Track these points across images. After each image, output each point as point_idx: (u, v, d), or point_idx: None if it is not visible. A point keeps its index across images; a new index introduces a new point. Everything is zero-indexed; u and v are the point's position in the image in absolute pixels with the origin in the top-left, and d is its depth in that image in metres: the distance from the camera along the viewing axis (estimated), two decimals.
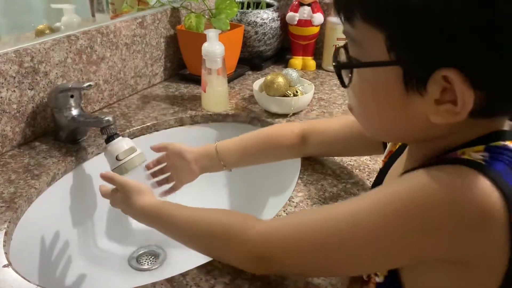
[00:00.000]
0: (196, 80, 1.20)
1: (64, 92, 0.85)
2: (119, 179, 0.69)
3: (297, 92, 1.00)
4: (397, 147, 0.61)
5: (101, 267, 0.89)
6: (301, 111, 1.03)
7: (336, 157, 0.85)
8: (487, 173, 0.39)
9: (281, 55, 1.39)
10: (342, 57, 0.46)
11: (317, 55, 1.35)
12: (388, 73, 0.42)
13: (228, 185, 1.04)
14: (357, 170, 0.81)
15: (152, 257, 0.93)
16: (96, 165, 0.89)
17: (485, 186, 0.39)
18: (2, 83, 0.82)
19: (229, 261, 0.56)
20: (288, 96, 0.99)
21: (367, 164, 0.83)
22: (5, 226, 0.67)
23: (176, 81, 1.23)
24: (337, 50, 0.47)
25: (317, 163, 0.83)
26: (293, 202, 0.72)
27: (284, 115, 1.01)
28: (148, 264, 0.91)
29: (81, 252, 0.88)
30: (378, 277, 0.51)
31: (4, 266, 0.59)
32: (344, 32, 0.45)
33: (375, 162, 0.83)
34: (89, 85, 0.82)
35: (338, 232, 0.45)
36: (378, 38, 0.40)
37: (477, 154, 0.41)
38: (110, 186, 0.72)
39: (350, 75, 0.45)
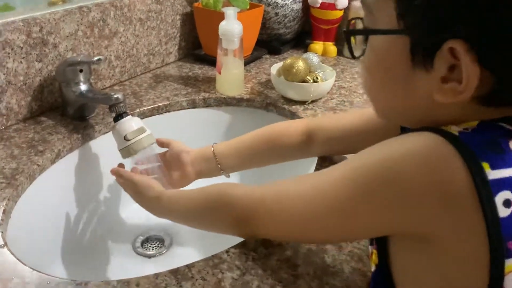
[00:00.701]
0: (211, 61, 1.15)
1: (73, 65, 0.81)
2: (127, 176, 0.70)
3: (317, 78, 0.95)
4: None
5: (103, 251, 0.86)
6: (320, 98, 0.98)
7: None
8: (453, 142, 0.36)
9: (300, 39, 1.33)
10: (354, 27, 0.46)
11: (339, 40, 1.29)
12: (396, 42, 0.40)
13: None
14: None
15: (158, 242, 0.90)
16: (103, 144, 0.85)
17: (445, 152, 0.36)
18: (9, 53, 0.78)
19: (219, 229, 0.58)
20: (307, 82, 0.94)
21: None
22: (4, 204, 0.63)
23: (191, 61, 1.18)
24: (352, 20, 0.47)
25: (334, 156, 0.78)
26: None
27: (302, 102, 0.96)
28: (153, 249, 0.88)
29: (83, 234, 0.84)
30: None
31: (1, 245, 0.56)
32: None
33: None
34: (99, 59, 0.77)
35: (310, 204, 0.45)
36: (389, 4, 0.39)
37: (459, 127, 0.38)
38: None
39: (364, 46, 0.44)
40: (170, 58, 1.15)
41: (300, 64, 0.92)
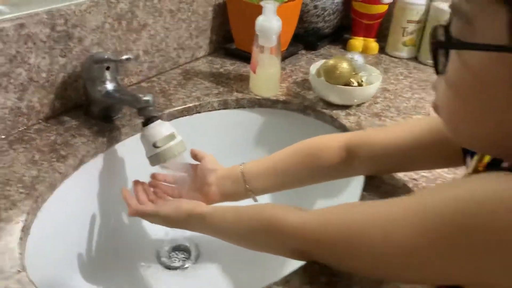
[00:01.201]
0: (243, 56, 1.07)
1: (100, 63, 0.74)
2: (153, 212, 0.66)
3: (362, 81, 0.86)
4: (485, 165, 0.47)
5: (127, 263, 0.80)
6: (363, 103, 0.90)
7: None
8: None
9: (338, 34, 1.24)
10: (440, 37, 0.38)
11: (380, 37, 1.19)
12: (501, 61, 0.33)
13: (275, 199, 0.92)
14: (433, 185, 0.68)
15: (184, 253, 0.84)
16: (129, 148, 0.79)
17: None
18: (31, 48, 0.72)
19: (273, 253, 0.55)
20: (351, 86, 0.86)
21: (445, 178, 0.70)
22: (23, 219, 0.57)
23: (221, 56, 1.11)
24: (435, 28, 0.38)
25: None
26: None
27: (344, 107, 0.88)
28: (179, 261, 0.82)
29: (105, 245, 0.79)
30: None
31: (18, 271, 0.50)
32: (453, 5, 0.37)
33: (454, 175, 0.70)
34: (128, 59, 0.71)
35: (368, 239, 0.41)
36: (499, 16, 0.32)
37: None
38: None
39: (445, 60, 0.37)
40: (200, 52, 1.08)
41: (344, 66, 0.84)
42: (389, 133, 0.63)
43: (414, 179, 0.69)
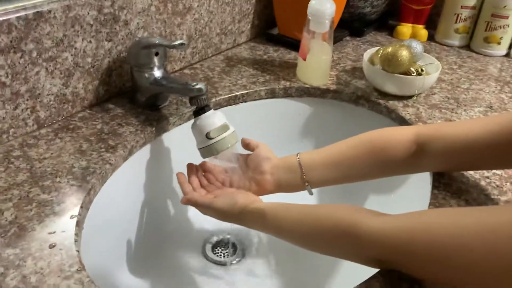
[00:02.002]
0: (287, 43, 1.02)
1: (148, 48, 0.70)
2: (206, 203, 0.61)
3: (422, 70, 0.81)
4: None
5: (171, 255, 0.77)
6: (420, 93, 0.84)
7: None
8: None
9: (384, 20, 1.18)
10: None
11: (429, 24, 1.13)
12: None
13: (328, 194, 0.87)
14: (508, 184, 0.63)
15: (230, 248, 0.80)
16: (177, 138, 0.76)
17: None
18: (78, 32, 0.68)
19: (344, 258, 0.51)
20: (411, 75, 0.80)
21: None
22: (77, 213, 0.54)
23: (263, 42, 1.06)
24: None
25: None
26: None
27: (400, 98, 0.83)
28: (224, 256, 0.79)
29: (152, 237, 0.76)
30: None
31: (78, 270, 0.47)
32: None
33: None
34: (182, 44, 0.66)
35: (467, 250, 0.37)
36: None
37: None
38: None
39: None
40: (242, 38, 1.04)
41: (404, 54, 0.79)
42: (465, 128, 0.57)
43: (487, 177, 0.64)
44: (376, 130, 0.64)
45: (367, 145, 0.62)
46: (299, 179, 0.64)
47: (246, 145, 0.70)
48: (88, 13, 0.68)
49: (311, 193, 0.65)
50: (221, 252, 0.80)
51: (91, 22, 0.69)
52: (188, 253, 0.78)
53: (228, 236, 0.82)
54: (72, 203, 0.55)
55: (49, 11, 0.63)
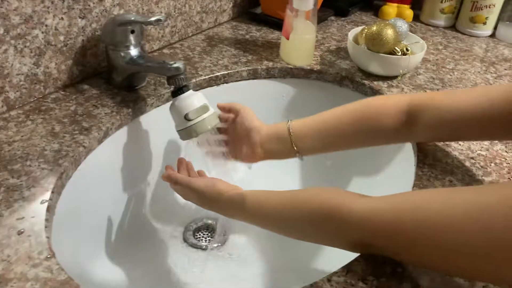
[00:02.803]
0: (270, 22, 1.00)
1: (124, 25, 0.67)
2: (185, 182, 0.60)
3: (407, 50, 0.79)
4: None
5: (151, 240, 0.75)
6: (405, 73, 0.83)
7: (460, 145, 0.66)
8: None
9: (369, 0, 1.15)
10: None
11: (415, 4, 1.11)
12: None
13: (314, 175, 0.86)
14: (492, 164, 0.62)
15: (211, 232, 0.79)
16: (155, 120, 0.73)
17: None
18: (49, 8, 0.64)
19: (327, 244, 0.49)
20: (396, 55, 0.78)
21: (504, 157, 0.64)
22: (48, 198, 0.52)
23: (246, 21, 1.03)
24: None
25: (437, 149, 0.64)
26: None
27: (385, 78, 0.81)
28: (205, 240, 0.77)
29: (130, 222, 0.74)
30: None
31: (47, 257, 0.45)
32: None
33: None
34: (159, 20, 0.63)
35: (457, 229, 0.36)
36: None
37: None
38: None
39: None
40: (223, 17, 1.00)
41: (389, 32, 0.77)
42: (455, 98, 0.54)
43: (472, 158, 0.63)
44: (369, 98, 0.62)
45: (357, 113, 0.60)
46: (289, 148, 0.62)
47: (224, 109, 0.67)
48: None
49: (301, 160, 0.64)
50: (202, 236, 0.78)
51: None
52: (168, 239, 0.77)
53: (210, 221, 0.80)
54: (43, 188, 0.53)
55: None
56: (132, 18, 0.66)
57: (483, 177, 0.60)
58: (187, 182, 0.60)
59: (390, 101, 0.59)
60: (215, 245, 0.77)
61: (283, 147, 0.62)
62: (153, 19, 0.63)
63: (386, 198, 0.43)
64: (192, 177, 0.62)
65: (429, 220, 0.38)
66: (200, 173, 0.67)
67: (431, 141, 0.64)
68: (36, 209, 0.50)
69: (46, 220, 0.49)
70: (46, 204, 0.51)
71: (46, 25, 0.65)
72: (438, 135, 0.58)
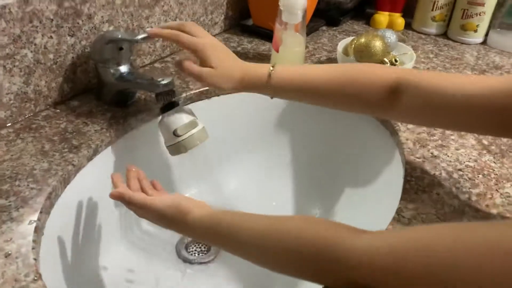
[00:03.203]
0: (261, 33, 1.00)
1: (112, 43, 0.67)
2: (140, 202, 0.55)
3: (395, 60, 0.79)
4: None
5: (145, 256, 0.75)
6: None
7: (449, 156, 0.66)
8: None
9: (361, 9, 1.16)
10: None
11: (407, 12, 1.12)
12: None
13: (302, 188, 0.86)
14: (480, 176, 0.62)
15: (203, 246, 0.79)
16: (145, 135, 0.73)
17: None
18: (37, 27, 0.65)
19: (313, 281, 0.42)
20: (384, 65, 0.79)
21: (492, 168, 0.64)
22: (36, 218, 0.52)
23: (237, 33, 1.04)
24: None
25: (426, 161, 0.65)
26: (403, 217, 0.55)
27: None
28: (198, 254, 0.77)
29: (123, 238, 0.74)
30: None
31: (34, 279, 0.45)
32: None
33: (501, 166, 0.64)
34: (145, 38, 0.64)
35: (476, 273, 0.30)
36: None
37: None
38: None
39: None
40: (215, 29, 1.01)
41: (378, 44, 0.77)
42: (446, 81, 0.52)
43: (459, 169, 0.63)
44: (358, 64, 0.63)
45: (345, 76, 0.58)
46: (265, 90, 0.61)
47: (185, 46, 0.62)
48: (47, 8, 0.65)
49: (271, 98, 0.64)
50: (195, 250, 0.78)
51: (51, 17, 0.66)
52: (161, 254, 0.77)
53: None
54: (31, 208, 0.53)
55: (4, 6, 0.60)
56: (120, 36, 0.66)
57: (470, 189, 0.60)
58: (143, 203, 0.54)
59: (379, 71, 0.57)
60: (209, 259, 0.77)
61: (260, 87, 0.61)
62: (139, 37, 0.63)
63: (390, 236, 0.39)
64: (149, 197, 0.56)
65: (443, 262, 0.32)
66: (154, 184, 0.62)
67: (412, 123, 0.64)
68: (24, 230, 0.50)
69: (34, 241, 0.49)
70: (34, 225, 0.51)
71: (35, 44, 0.66)
72: (421, 119, 0.57)
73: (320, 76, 0.59)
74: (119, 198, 0.55)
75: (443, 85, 0.51)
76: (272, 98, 0.63)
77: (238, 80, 0.62)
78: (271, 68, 0.60)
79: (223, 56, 0.63)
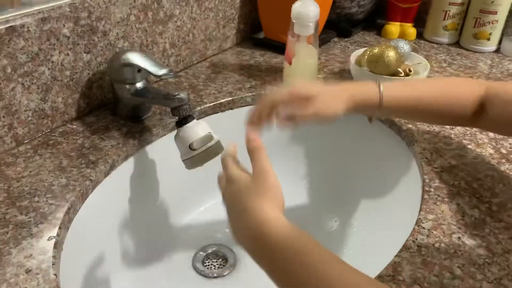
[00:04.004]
0: (273, 46, 1.01)
1: (131, 66, 0.68)
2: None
3: (410, 71, 0.79)
4: None
5: (160, 269, 0.75)
6: None
7: (467, 165, 0.65)
8: None
9: (372, 19, 1.16)
10: None
11: (418, 21, 1.12)
12: None
13: (319, 200, 0.86)
14: (500, 185, 0.61)
15: (221, 260, 0.79)
16: (161, 149, 0.74)
17: None
18: (54, 45, 0.66)
19: None
20: (399, 76, 0.79)
21: (511, 177, 0.63)
22: (55, 234, 0.52)
23: (250, 46, 1.04)
24: None
25: (444, 171, 0.64)
26: (424, 228, 0.54)
27: None
28: (215, 268, 0.77)
29: (138, 252, 0.74)
30: None
31: None
32: None
33: None
34: (166, 74, 0.64)
35: None
36: None
37: None
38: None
39: None
40: (227, 43, 1.02)
41: (391, 54, 0.77)
42: None
43: (479, 179, 0.62)
44: (452, 77, 0.70)
45: (445, 96, 0.58)
46: (373, 109, 0.57)
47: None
48: (64, 25, 0.66)
49: (370, 122, 0.67)
50: (211, 264, 0.78)
51: (68, 35, 0.67)
52: (178, 270, 0.76)
53: (219, 248, 0.80)
54: (50, 224, 0.53)
55: (22, 25, 0.61)
56: (141, 65, 0.66)
57: (491, 199, 0.59)
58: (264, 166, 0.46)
59: (469, 87, 0.58)
60: (225, 273, 0.76)
61: (368, 107, 0.57)
62: (160, 73, 0.63)
63: None
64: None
65: None
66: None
67: (498, 133, 0.68)
68: (44, 245, 0.51)
69: (54, 257, 0.50)
70: (53, 241, 0.51)
71: (52, 62, 0.67)
72: (506, 130, 0.60)
73: (428, 98, 0.58)
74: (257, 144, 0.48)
75: None
76: (371, 121, 0.61)
77: (345, 101, 0.55)
78: (381, 88, 0.56)
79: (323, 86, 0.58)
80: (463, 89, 0.58)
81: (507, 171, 0.64)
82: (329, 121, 0.55)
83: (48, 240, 0.51)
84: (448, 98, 0.58)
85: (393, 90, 0.57)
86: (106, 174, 0.65)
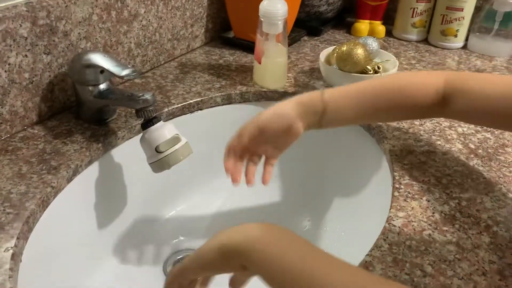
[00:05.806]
0: (243, 45, 0.99)
1: (94, 67, 0.65)
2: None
3: (378, 68, 0.79)
4: None
5: (130, 276, 0.73)
6: None
7: (436, 161, 0.65)
8: None
9: (341, 18, 1.16)
10: None
11: (387, 19, 1.12)
12: None
13: (292, 199, 0.85)
14: (469, 180, 0.62)
15: None
16: (127, 153, 0.71)
17: None
18: (11, 46, 0.63)
19: None
20: (367, 73, 0.78)
21: (480, 172, 0.63)
22: (12, 245, 0.49)
23: (219, 45, 1.03)
24: None
25: (414, 167, 0.64)
26: (394, 226, 0.54)
27: None
28: None
29: (106, 259, 0.71)
30: None
31: None
32: None
33: (489, 169, 0.64)
34: (129, 75, 0.61)
35: None
36: None
37: None
38: None
39: None
40: (196, 42, 1.00)
41: (360, 52, 0.77)
42: (493, 83, 0.53)
43: (448, 175, 0.63)
44: (402, 73, 0.66)
45: (395, 93, 0.57)
46: (320, 121, 0.58)
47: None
48: (21, 26, 0.63)
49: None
50: None
51: (25, 35, 0.64)
52: (147, 274, 0.74)
53: (187, 254, 0.78)
54: (7, 234, 0.51)
55: None
56: (102, 66, 0.63)
57: (460, 194, 0.59)
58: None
59: (427, 80, 0.57)
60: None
61: (317, 119, 0.58)
62: (123, 73, 0.61)
63: None
64: None
65: None
66: None
67: (463, 122, 0.70)
68: (1, 258, 0.48)
69: (11, 269, 0.47)
70: (10, 252, 0.49)
71: (9, 64, 0.64)
72: (471, 119, 0.60)
73: (374, 96, 0.57)
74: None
75: (489, 88, 0.53)
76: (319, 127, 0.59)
77: (293, 113, 0.57)
78: (323, 89, 0.58)
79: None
80: (415, 81, 0.57)
81: (476, 166, 0.65)
82: (292, 131, 0.57)
83: (4, 251, 0.48)
84: (399, 92, 0.56)
85: (335, 89, 0.58)
86: (69, 180, 0.62)
